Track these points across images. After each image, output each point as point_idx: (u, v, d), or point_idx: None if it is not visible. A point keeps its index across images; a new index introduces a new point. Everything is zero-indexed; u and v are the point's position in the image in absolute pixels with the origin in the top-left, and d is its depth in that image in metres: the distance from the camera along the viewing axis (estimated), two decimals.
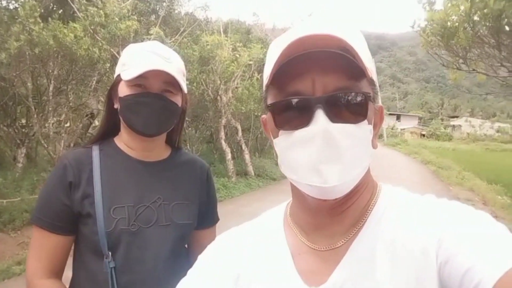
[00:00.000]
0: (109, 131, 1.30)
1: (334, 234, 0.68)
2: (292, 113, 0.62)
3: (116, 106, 1.24)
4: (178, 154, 1.37)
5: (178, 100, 1.24)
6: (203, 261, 0.78)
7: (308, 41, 0.59)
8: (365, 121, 0.63)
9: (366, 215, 0.68)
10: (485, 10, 6.42)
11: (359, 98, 0.62)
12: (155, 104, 1.18)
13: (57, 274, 1.19)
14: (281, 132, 0.65)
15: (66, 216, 1.16)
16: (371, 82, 0.66)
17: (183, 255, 1.27)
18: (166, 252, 1.21)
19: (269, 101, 0.67)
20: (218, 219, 1.44)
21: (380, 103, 0.70)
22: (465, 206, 0.63)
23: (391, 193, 0.71)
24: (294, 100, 0.62)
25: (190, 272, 0.76)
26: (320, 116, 0.59)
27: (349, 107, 0.61)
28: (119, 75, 1.22)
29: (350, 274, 0.63)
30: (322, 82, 0.61)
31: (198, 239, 1.35)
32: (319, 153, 0.59)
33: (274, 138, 0.67)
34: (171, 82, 1.20)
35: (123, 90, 1.20)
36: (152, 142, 1.27)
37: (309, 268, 0.67)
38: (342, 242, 0.66)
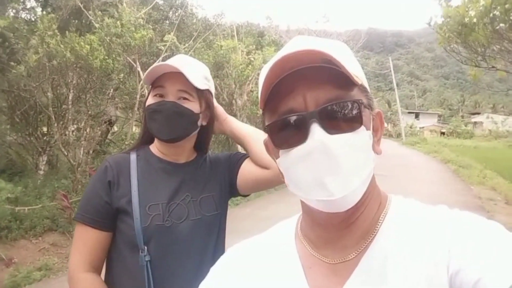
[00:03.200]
0: (146, 139, 1.44)
1: (345, 247, 0.67)
2: (288, 131, 0.63)
3: None
4: (203, 156, 1.48)
5: (194, 106, 1.33)
6: (214, 275, 0.78)
7: (291, 59, 0.60)
8: (362, 127, 0.63)
9: (377, 227, 0.68)
10: (507, 6, 6.25)
11: (351, 106, 0.62)
12: (167, 111, 1.29)
13: (97, 269, 1.29)
14: (281, 151, 0.66)
15: (106, 213, 1.27)
16: (363, 89, 0.66)
17: (211, 247, 1.36)
18: (197, 245, 1.31)
19: (266, 123, 0.68)
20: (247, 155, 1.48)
21: (377, 109, 0.71)
22: (477, 217, 0.63)
23: (401, 205, 0.71)
24: (289, 118, 0.63)
25: (201, 285, 0.77)
26: (316, 130, 0.60)
27: (343, 116, 0.62)
28: (150, 86, 1.36)
29: (361, 287, 0.63)
30: (313, 96, 0.62)
31: (246, 168, 1.44)
32: (320, 167, 0.59)
33: (276, 158, 0.68)
34: (186, 90, 1.30)
35: (148, 100, 1.34)
36: (178, 147, 1.38)
37: (321, 282, 0.67)
38: (354, 254, 0.66)
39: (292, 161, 0.63)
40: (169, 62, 1.30)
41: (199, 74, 1.33)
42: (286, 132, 0.63)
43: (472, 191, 11.30)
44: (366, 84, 0.68)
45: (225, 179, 1.45)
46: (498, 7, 6.59)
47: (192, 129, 1.36)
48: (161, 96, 1.31)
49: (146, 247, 1.23)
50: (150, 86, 1.36)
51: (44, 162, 7.80)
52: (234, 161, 1.47)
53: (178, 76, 1.27)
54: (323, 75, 0.62)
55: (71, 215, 6.21)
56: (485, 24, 7.15)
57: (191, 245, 1.30)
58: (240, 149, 9.85)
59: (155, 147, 1.41)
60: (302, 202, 0.70)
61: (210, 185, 1.42)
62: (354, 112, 0.62)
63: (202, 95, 1.35)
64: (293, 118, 0.62)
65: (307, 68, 0.62)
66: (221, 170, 1.46)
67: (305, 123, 0.61)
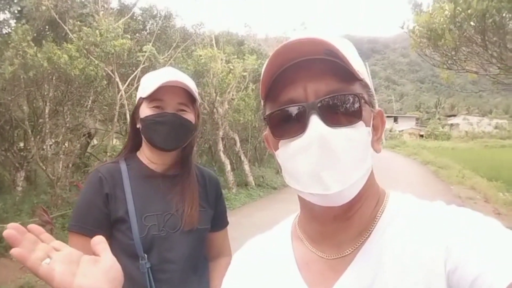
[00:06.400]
0: (133, 147, 1.48)
1: (342, 243, 0.67)
2: (288, 121, 0.63)
3: (138, 126, 1.41)
4: (191, 167, 1.51)
5: (192, 117, 1.41)
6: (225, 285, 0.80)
7: (294, 49, 0.60)
8: (361, 123, 0.63)
9: (374, 223, 0.67)
10: (469, 11, 6.49)
11: (351, 99, 0.62)
12: (171, 122, 1.34)
13: None
14: (280, 143, 0.65)
15: (105, 223, 1.33)
16: (365, 85, 0.66)
17: (202, 256, 1.47)
18: (190, 253, 1.38)
19: (266, 113, 0.67)
20: (227, 223, 1.61)
21: (377, 107, 0.70)
22: (474, 213, 0.62)
23: (399, 201, 0.70)
24: (288, 108, 0.62)
25: None
26: (315, 122, 0.59)
27: (343, 109, 0.62)
28: (140, 98, 1.39)
29: (356, 282, 0.62)
30: (313, 88, 0.62)
31: (212, 241, 1.54)
32: (318, 160, 0.59)
33: (275, 150, 0.67)
34: (184, 102, 1.38)
35: (144, 112, 1.37)
36: (170, 156, 1.43)
37: (316, 277, 0.67)
38: (350, 250, 0.66)
39: (290, 153, 0.63)
40: (166, 75, 1.35)
41: (193, 85, 1.41)
42: (285, 123, 0.63)
43: (452, 191, 11.55)
44: (368, 81, 0.67)
45: (214, 207, 1.52)
46: (462, 13, 6.82)
47: (189, 138, 1.44)
48: (158, 107, 1.35)
49: (146, 255, 1.30)
50: (140, 98, 1.39)
51: (22, 178, 7.56)
52: (219, 215, 1.55)
53: (176, 89, 1.34)
54: (325, 67, 0.61)
55: (52, 230, 6.03)
56: (451, 30, 7.38)
57: (186, 253, 1.37)
58: (223, 158, 9.71)
59: (144, 156, 1.44)
60: (299, 196, 0.70)
61: (202, 199, 1.46)
62: (354, 106, 0.62)
63: (197, 106, 1.44)
64: (292, 108, 0.62)
65: (309, 59, 0.61)
66: (212, 193, 1.53)
67: (304, 114, 0.61)
